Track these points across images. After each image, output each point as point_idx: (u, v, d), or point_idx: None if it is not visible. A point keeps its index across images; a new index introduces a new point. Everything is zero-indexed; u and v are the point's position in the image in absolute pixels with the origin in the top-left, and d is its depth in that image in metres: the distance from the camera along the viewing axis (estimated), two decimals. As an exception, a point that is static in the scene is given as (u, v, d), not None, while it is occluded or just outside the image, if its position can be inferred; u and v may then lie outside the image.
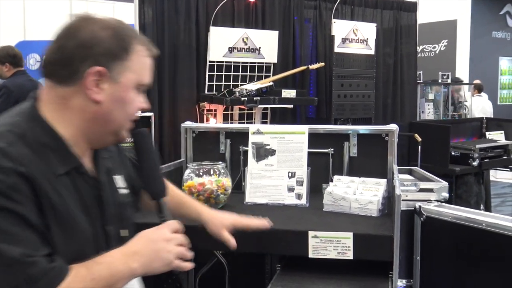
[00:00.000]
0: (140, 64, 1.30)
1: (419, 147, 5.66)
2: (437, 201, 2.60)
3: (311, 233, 1.82)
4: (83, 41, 1.22)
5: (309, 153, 2.36)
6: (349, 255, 1.80)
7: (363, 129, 2.47)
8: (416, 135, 5.72)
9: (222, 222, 1.74)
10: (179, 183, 2.18)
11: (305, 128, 2.30)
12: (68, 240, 1.18)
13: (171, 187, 1.73)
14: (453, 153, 5.92)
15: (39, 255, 1.10)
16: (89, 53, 1.22)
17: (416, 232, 2.50)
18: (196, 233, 1.79)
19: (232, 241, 1.73)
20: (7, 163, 1.11)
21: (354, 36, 5.15)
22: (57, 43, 1.23)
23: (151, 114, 4.29)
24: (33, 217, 1.12)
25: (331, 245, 1.80)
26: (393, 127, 2.40)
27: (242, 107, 4.56)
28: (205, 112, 4.66)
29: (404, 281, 2.57)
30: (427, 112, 6.66)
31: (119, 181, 1.40)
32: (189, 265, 1.29)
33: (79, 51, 1.21)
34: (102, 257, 1.18)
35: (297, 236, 1.83)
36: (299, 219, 1.99)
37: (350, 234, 1.79)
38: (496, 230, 2.09)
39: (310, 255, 1.82)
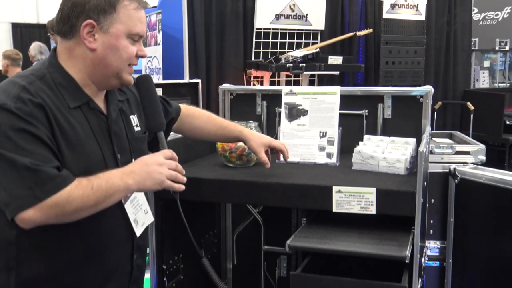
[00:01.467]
0: (128, 16, 1.49)
1: (472, 115, 5.55)
2: (474, 163, 2.59)
3: (335, 188, 1.87)
4: (76, 2, 1.46)
5: (343, 114, 2.40)
6: (372, 210, 1.84)
7: (398, 90, 2.47)
8: (469, 103, 5.61)
9: (261, 141, 2.00)
10: (214, 142, 2.28)
11: (336, 89, 2.33)
12: (77, 159, 1.41)
13: (213, 116, 2.06)
14: (507, 122, 5.77)
15: (48, 166, 1.33)
16: (81, 10, 1.45)
17: (450, 194, 2.51)
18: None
19: (267, 162, 1.97)
20: (26, 95, 1.37)
21: (403, 2, 5.06)
22: (59, 8, 1.50)
23: (198, 80, 4.40)
24: (45, 138, 1.35)
25: (354, 200, 1.85)
26: (428, 88, 2.39)
27: (289, 74, 4.60)
28: (252, 78, 4.73)
29: (438, 242, 2.60)
30: (482, 80, 6.48)
31: (134, 119, 1.64)
32: (181, 187, 1.52)
33: (74, 10, 1.46)
34: (103, 173, 1.40)
35: (321, 191, 1.89)
36: (326, 176, 2.05)
37: (373, 189, 1.84)
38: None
39: (334, 209, 1.88)
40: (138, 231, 1.57)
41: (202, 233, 2.54)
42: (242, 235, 2.74)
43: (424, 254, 2.49)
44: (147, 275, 4.03)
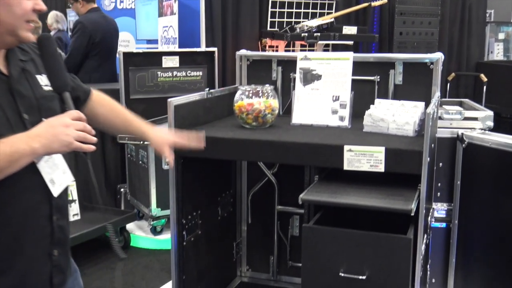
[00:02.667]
0: None
1: (485, 87, 5.59)
2: (482, 129, 2.68)
3: (346, 147, 1.98)
4: None
5: (356, 80, 2.49)
6: (381, 168, 1.95)
7: (409, 57, 2.55)
8: (482, 75, 5.64)
9: (164, 140, 1.93)
10: (231, 105, 2.39)
11: (349, 55, 2.42)
12: None
13: (119, 108, 1.92)
14: (520, 94, 5.81)
15: None
16: None
17: (458, 158, 2.60)
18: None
19: (171, 159, 1.96)
20: None
21: (419, -28, 5.08)
22: None
23: (214, 49, 4.49)
24: None
25: (364, 158, 1.96)
26: (438, 55, 2.47)
27: (303, 43, 4.67)
28: (267, 48, 4.81)
29: (445, 204, 2.70)
30: (496, 53, 6.49)
31: (42, 79, 1.55)
32: (90, 147, 1.43)
33: None
34: (7, 138, 1.35)
35: (333, 150, 2.00)
36: (338, 136, 2.15)
37: (382, 149, 1.94)
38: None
39: (345, 167, 1.99)
40: (56, 191, 1.51)
41: (218, 192, 2.66)
42: (257, 195, 2.87)
43: (431, 215, 2.60)
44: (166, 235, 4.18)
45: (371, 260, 1.91)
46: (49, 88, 1.55)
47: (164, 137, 1.94)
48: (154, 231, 4.23)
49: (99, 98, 1.86)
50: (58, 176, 1.51)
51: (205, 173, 2.49)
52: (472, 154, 2.55)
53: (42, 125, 1.41)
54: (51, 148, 1.39)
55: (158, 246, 4.14)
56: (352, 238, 1.92)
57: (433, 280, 2.74)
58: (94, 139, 1.44)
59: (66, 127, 1.39)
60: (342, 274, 1.93)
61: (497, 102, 5.64)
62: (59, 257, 1.54)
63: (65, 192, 1.57)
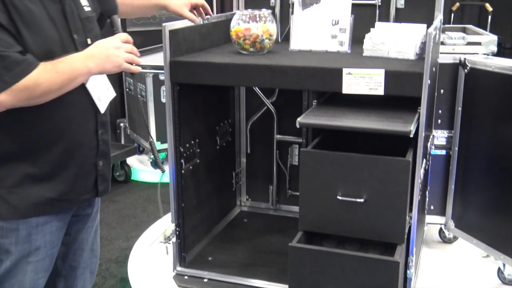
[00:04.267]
0: None
1: (490, 17, 5.46)
2: (485, 54, 2.62)
3: (345, 70, 1.93)
4: None
5: (356, 4, 2.42)
6: (380, 91, 1.91)
7: (412, -21, 2.47)
8: (487, 4, 5.50)
9: (182, 1, 2.10)
10: (229, 33, 2.32)
11: (350, -24, 2.34)
12: (37, 41, 1.44)
13: None
14: (526, 25, 5.68)
15: (12, 51, 1.37)
16: None
17: (460, 83, 2.56)
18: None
19: (194, 18, 2.16)
20: None
21: None
22: None
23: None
24: (4, 23, 1.38)
25: (363, 81, 1.92)
26: (442, -24, 2.38)
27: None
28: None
29: (445, 132, 2.67)
30: (503, -19, 6.29)
31: (83, 0, 1.62)
32: (138, 69, 1.56)
33: None
34: (65, 57, 1.45)
35: (332, 73, 1.96)
36: (337, 60, 2.10)
37: (381, 71, 1.89)
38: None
39: (344, 91, 1.95)
40: (102, 107, 1.63)
41: (217, 121, 2.64)
42: (256, 125, 2.84)
43: (431, 142, 2.58)
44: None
45: (369, 183, 1.90)
46: (88, 8, 1.62)
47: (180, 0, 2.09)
48: (155, 164, 4.24)
49: None
50: (103, 93, 1.62)
51: (202, 102, 2.45)
52: (474, 80, 2.50)
53: (95, 46, 1.51)
54: (104, 69, 1.50)
55: (158, 179, 4.15)
56: (350, 162, 1.90)
57: (432, 207, 2.75)
58: (141, 60, 1.57)
59: (117, 49, 1.51)
60: (340, 198, 1.92)
61: (503, 33, 5.53)
62: (103, 167, 1.68)
63: (108, 108, 1.67)
